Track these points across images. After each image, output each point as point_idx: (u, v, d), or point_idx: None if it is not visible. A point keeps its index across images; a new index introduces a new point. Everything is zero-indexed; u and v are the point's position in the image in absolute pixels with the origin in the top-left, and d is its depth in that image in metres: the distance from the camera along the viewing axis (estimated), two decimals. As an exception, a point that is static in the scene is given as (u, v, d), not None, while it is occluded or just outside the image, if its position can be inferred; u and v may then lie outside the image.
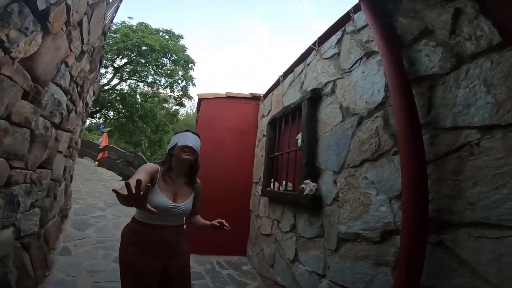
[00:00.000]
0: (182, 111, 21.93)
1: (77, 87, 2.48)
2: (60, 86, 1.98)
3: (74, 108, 2.69)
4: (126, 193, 0.93)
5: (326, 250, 1.92)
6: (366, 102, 1.66)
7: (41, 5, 1.26)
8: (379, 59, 1.56)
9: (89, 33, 2.11)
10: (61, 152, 2.60)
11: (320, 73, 2.40)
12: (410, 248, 1.02)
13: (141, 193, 0.96)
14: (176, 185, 1.51)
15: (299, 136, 2.55)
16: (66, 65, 1.94)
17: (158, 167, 1.47)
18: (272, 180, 3.24)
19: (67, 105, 2.32)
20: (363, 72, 1.73)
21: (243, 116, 4.50)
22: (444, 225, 1.05)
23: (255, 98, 4.55)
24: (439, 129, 1.15)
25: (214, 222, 1.56)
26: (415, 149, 1.09)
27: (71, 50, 1.88)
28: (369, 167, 1.56)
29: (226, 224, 1.54)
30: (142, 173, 1.33)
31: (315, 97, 2.35)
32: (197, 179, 1.66)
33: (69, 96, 2.32)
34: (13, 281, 1.69)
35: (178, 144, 1.49)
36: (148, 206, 1.01)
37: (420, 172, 1.06)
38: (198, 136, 1.60)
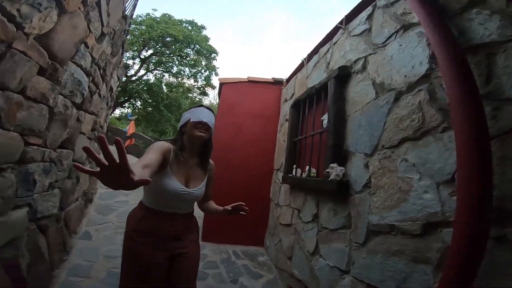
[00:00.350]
0: (206, 100, 22.27)
1: (99, 69, 2.45)
2: (80, 66, 1.94)
3: (97, 90, 2.68)
4: (103, 163, 0.62)
5: (352, 243, 1.74)
6: (405, 76, 1.47)
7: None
8: (419, 31, 1.39)
9: (108, 15, 2.05)
10: (84, 134, 2.60)
11: (348, 50, 2.23)
12: (465, 244, 0.82)
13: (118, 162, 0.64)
14: (188, 167, 1.37)
15: (324, 117, 2.37)
16: (86, 45, 1.90)
17: (171, 146, 1.32)
18: (294, 166, 3.07)
19: (89, 87, 2.30)
20: (400, 45, 1.55)
21: (264, 101, 4.34)
22: (509, 216, 0.85)
23: (277, 82, 4.39)
24: (502, 100, 0.95)
25: (228, 207, 1.43)
26: (475, 122, 0.89)
27: (90, 31, 1.83)
28: (409, 147, 1.35)
29: (244, 207, 1.42)
30: (153, 152, 1.16)
31: (343, 75, 2.18)
32: (210, 160, 1.51)
33: (91, 78, 2.30)
34: (25, 265, 1.65)
35: (191, 120, 1.34)
36: (133, 176, 0.68)
37: (481, 150, 0.85)
38: (213, 112, 1.44)
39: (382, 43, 1.74)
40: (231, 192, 3.67)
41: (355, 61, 2.06)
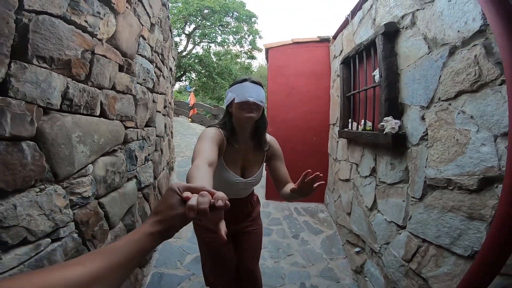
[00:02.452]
0: (255, 63, 22.23)
1: (158, 56, 2.74)
2: (144, 56, 2.22)
3: (161, 73, 3.02)
4: (192, 213, 0.47)
5: (409, 198, 1.72)
6: (458, 31, 1.34)
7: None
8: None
9: (151, 6, 2.23)
10: (159, 112, 3.02)
11: (393, 6, 2.06)
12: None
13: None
14: (243, 154, 1.24)
15: (376, 72, 2.30)
16: (143, 38, 2.14)
17: (221, 132, 1.17)
18: (350, 120, 3.05)
19: (155, 72, 2.62)
20: (449, 1, 1.41)
21: (313, 60, 4.27)
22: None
23: (323, 40, 4.23)
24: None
25: (299, 182, 1.00)
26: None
27: (142, 25, 2.04)
28: (467, 100, 1.28)
29: (313, 174, 0.97)
30: (210, 143, 1.02)
31: (391, 31, 2.05)
32: (268, 138, 1.32)
33: (155, 64, 2.60)
34: None
35: (235, 101, 1.15)
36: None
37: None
38: (261, 85, 1.19)
39: (430, -1, 1.58)
40: (289, 150, 3.86)
41: (403, 17, 1.93)
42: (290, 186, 1.18)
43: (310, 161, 4.05)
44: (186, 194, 0.50)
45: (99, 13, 1.35)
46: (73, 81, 1.17)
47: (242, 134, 1.22)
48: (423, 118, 1.64)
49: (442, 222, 1.37)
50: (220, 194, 0.50)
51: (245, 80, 1.19)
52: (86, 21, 1.24)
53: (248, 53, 18.57)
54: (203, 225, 1.35)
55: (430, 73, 1.58)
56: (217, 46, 17.73)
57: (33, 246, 0.98)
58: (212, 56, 17.41)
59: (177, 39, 15.68)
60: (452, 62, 1.40)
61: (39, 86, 0.95)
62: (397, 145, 1.86)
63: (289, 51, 4.36)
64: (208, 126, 1.21)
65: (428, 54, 1.62)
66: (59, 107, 1.09)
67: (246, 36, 17.19)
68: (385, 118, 1.96)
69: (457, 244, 1.26)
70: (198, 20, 15.78)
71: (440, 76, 1.49)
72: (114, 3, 1.50)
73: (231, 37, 17.14)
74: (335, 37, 3.90)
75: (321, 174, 0.96)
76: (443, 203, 1.38)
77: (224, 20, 16.07)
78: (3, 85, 0.82)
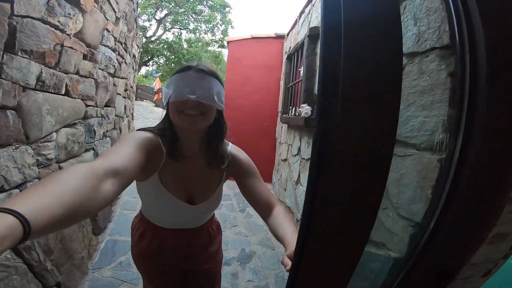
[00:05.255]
0: (226, 52, 22.27)
1: (121, 45, 3.01)
2: (108, 46, 2.51)
3: (123, 60, 3.28)
4: None
5: None
6: None
7: (71, -6, 1.65)
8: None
9: (117, 3, 2.52)
10: (119, 94, 3.29)
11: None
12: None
13: None
14: (189, 171, 0.86)
15: (302, 68, 2.84)
16: (108, 31, 2.42)
17: (159, 140, 0.81)
18: (290, 107, 3.51)
19: (117, 59, 2.90)
20: None
21: (268, 54, 4.79)
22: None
23: (279, 37, 4.73)
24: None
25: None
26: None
27: (107, 20, 2.33)
28: None
29: None
30: (127, 149, 0.67)
31: (314, 34, 2.58)
32: (231, 150, 0.93)
33: (117, 53, 2.88)
34: None
35: (170, 100, 0.78)
36: None
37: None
38: (212, 74, 0.80)
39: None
40: (242, 132, 4.35)
41: None
42: (280, 217, 0.79)
43: (260, 143, 4.59)
44: None
45: (70, 14, 1.67)
46: (46, 68, 1.50)
47: (187, 145, 0.85)
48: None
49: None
50: None
51: (188, 68, 0.79)
52: (59, 21, 1.56)
53: (220, 42, 18.63)
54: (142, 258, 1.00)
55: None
56: (189, 33, 17.53)
57: (6, 194, 1.29)
58: (183, 43, 17.18)
59: (146, 23, 15.34)
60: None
61: (21, 71, 1.29)
62: (308, 126, 2.30)
63: (247, 45, 4.85)
64: (140, 129, 0.83)
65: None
66: (34, 87, 1.42)
67: (219, 25, 17.27)
68: (301, 105, 2.51)
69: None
70: (170, 6, 15.53)
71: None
72: (82, 4, 1.81)
73: (203, 25, 17.08)
74: (288, 34, 4.40)
75: None
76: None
77: (197, 8, 15.97)
78: (-3, 69, 1.16)
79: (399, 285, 0.62)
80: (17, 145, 1.37)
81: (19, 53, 1.27)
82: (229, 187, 4.20)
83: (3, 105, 1.21)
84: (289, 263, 0.55)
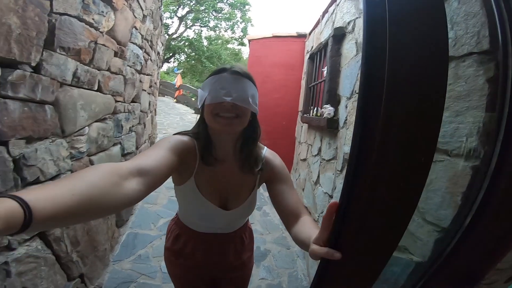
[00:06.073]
0: (246, 50, 22.29)
1: (147, 42, 3.07)
2: (135, 44, 2.56)
3: (149, 57, 3.34)
4: None
5: (336, 171, 2.04)
6: None
7: (104, -8, 1.69)
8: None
9: (144, 0, 2.56)
10: (145, 90, 3.36)
11: (345, 13, 2.50)
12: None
13: None
14: (224, 175, 0.86)
15: (324, 68, 2.78)
16: (136, 28, 2.47)
17: (194, 143, 0.82)
18: (311, 107, 3.45)
19: (143, 56, 2.95)
20: None
21: (289, 53, 4.72)
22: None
23: (301, 36, 4.66)
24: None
25: (324, 221, 0.50)
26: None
27: (135, 17, 2.37)
28: None
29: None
30: (159, 152, 0.68)
31: (338, 35, 2.51)
32: (265, 153, 0.91)
33: (144, 50, 2.93)
34: None
35: (206, 102, 0.78)
36: None
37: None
38: (248, 77, 0.80)
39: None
40: (262, 130, 4.32)
41: (348, 23, 2.34)
42: (307, 224, 0.70)
43: (278, 142, 4.53)
44: None
45: (103, 12, 1.70)
46: (81, 64, 1.54)
47: (221, 149, 0.84)
48: (346, 107, 2.09)
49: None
50: None
51: (223, 70, 0.78)
52: (93, 19, 1.60)
53: (239, 40, 18.70)
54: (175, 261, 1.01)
55: (354, 71, 2.03)
56: (209, 30, 17.73)
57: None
58: (204, 40, 17.38)
59: (169, 21, 15.63)
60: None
61: (59, 68, 1.33)
62: (331, 128, 2.28)
63: (269, 44, 4.81)
64: (176, 133, 0.84)
65: (355, 55, 2.08)
66: (70, 83, 1.47)
67: (239, 23, 17.35)
68: (324, 105, 2.44)
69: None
70: (192, 4, 15.71)
71: (358, 74, 1.91)
72: (114, 2, 1.84)
73: (223, 23, 17.21)
74: (310, 33, 4.32)
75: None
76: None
77: (218, 5, 16.07)
78: (38, 66, 1.20)
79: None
80: (53, 139, 1.42)
81: (58, 50, 1.31)
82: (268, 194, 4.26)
83: (42, 100, 1.25)
84: (318, 249, 0.49)
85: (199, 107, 0.84)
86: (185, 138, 0.80)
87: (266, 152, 0.92)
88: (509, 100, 0.51)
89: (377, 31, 0.38)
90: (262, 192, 4.08)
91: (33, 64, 1.16)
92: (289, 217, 0.76)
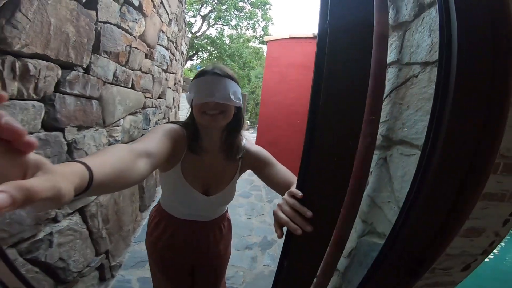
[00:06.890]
0: (266, 48, 22.55)
1: (172, 43, 3.35)
2: (162, 45, 2.83)
3: (174, 57, 3.63)
4: None
5: None
6: None
7: (135, 2, 1.91)
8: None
9: (169, 6, 2.81)
10: (169, 88, 3.66)
11: None
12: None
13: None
14: (208, 164, 0.94)
15: None
16: (162, 31, 2.74)
17: (183, 132, 0.89)
18: None
19: (169, 57, 3.24)
20: None
21: (305, 54, 4.83)
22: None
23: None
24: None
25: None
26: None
27: (162, 22, 2.64)
28: None
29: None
30: (157, 136, 0.75)
31: None
32: (245, 144, 0.99)
33: (169, 51, 3.21)
34: (145, 182, 2.62)
35: (193, 102, 0.86)
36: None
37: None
38: (229, 76, 0.86)
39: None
40: (276, 126, 4.53)
41: None
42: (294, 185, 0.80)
43: (292, 139, 4.72)
44: None
45: (136, 19, 1.96)
46: (119, 65, 1.81)
47: (208, 140, 0.92)
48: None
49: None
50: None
51: (205, 72, 0.86)
52: (128, 26, 1.85)
53: (260, 38, 18.88)
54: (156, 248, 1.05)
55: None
56: (231, 29, 18.06)
57: (86, 168, 1.62)
58: (225, 38, 17.74)
59: (192, 19, 16.06)
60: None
61: (103, 69, 1.60)
62: None
63: (285, 45, 4.96)
64: (168, 122, 0.92)
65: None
66: (111, 81, 1.74)
67: (260, 22, 17.55)
68: None
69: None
70: (214, 2, 16.09)
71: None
72: (144, 9, 2.10)
73: (245, 22, 17.48)
74: None
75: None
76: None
77: (239, 4, 16.35)
78: (88, 67, 1.47)
79: (378, 268, 0.68)
80: (96, 128, 1.69)
81: (102, 54, 1.57)
82: (259, 179, 4.48)
83: (90, 96, 1.52)
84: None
85: (189, 106, 0.93)
86: (176, 126, 0.88)
87: (245, 142, 1.00)
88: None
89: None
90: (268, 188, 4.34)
91: (85, 66, 1.43)
92: (282, 189, 0.83)
